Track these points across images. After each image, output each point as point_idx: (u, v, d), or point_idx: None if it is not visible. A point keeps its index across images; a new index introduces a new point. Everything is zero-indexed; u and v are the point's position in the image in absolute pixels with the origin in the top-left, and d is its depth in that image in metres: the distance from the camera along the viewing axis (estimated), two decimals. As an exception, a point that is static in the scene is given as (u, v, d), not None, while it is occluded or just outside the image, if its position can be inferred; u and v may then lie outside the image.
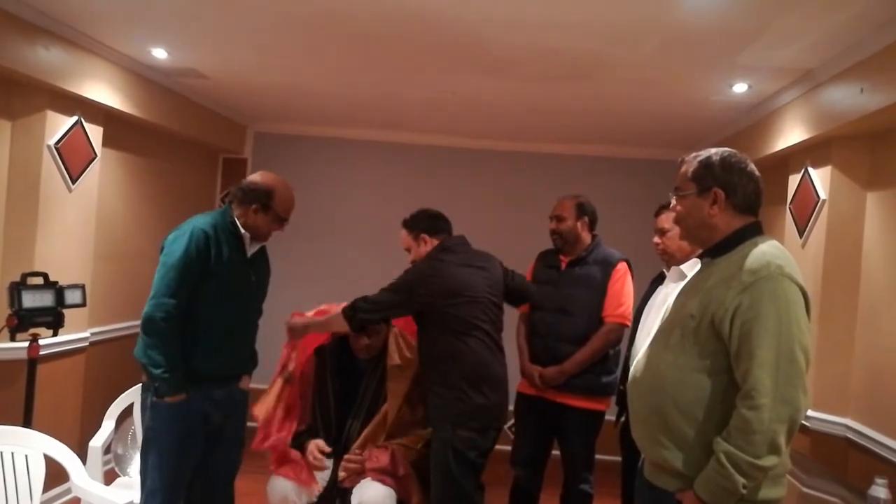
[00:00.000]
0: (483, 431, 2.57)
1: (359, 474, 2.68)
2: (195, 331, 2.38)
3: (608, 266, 3.05)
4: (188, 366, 2.37)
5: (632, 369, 1.84)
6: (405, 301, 2.62)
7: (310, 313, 2.90)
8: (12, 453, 2.40)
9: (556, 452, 3.15)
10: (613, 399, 3.09)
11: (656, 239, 2.78)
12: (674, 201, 1.82)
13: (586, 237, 3.12)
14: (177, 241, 2.38)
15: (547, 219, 3.19)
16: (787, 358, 1.55)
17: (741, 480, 1.53)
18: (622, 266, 3.07)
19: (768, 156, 3.52)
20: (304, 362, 2.91)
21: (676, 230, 2.74)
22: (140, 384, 2.49)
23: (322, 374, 2.91)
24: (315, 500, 2.71)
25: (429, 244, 2.73)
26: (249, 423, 2.66)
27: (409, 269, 2.71)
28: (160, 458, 2.37)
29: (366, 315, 2.63)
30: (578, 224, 3.08)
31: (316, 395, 2.90)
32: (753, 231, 1.72)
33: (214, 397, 2.45)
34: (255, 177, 2.54)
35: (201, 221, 2.44)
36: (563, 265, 3.12)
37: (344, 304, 2.71)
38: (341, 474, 2.70)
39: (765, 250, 1.65)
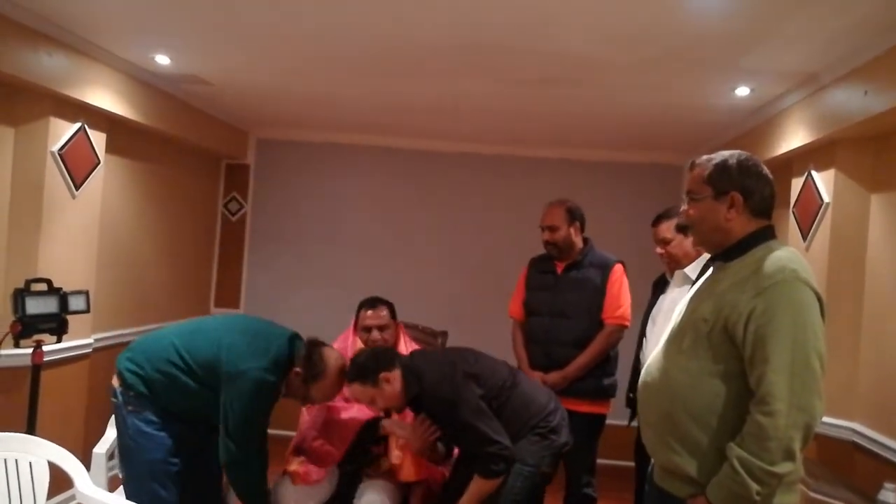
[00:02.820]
0: (557, 466, 2.59)
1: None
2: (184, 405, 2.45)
3: (605, 269, 3.07)
4: (165, 410, 2.43)
5: (642, 373, 1.83)
6: (489, 414, 2.45)
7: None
8: (16, 460, 2.38)
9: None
10: (614, 402, 3.10)
11: (659, 249, 2.78)
12: (684, 206, 1.80)
13: (579, 241, 3.13)
14: (247, 394, 2.34)
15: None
16: (803, 363, 1.54)
17: (755, 487, 1.52)
18: (618, 268, 3.10)
19: (770, 159, 3.51)
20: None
21: (680, 238, 2.74)
22: None
23: None
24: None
25: (394, 380, 2.45)
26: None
27: (444, 394, 2.44)
28: (140, 482, 2.40)
29: (504, 463, 2.40)
30: (571, 230, 3.09)
31: None
32: (767, 235, 1.71)
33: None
34: (330, 350, 2.49)
35: (269, 376, 2.37)
36: (559, 270, 3.12)
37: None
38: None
39: (780, 255, 1.64)
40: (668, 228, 2.77)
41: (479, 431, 2.38)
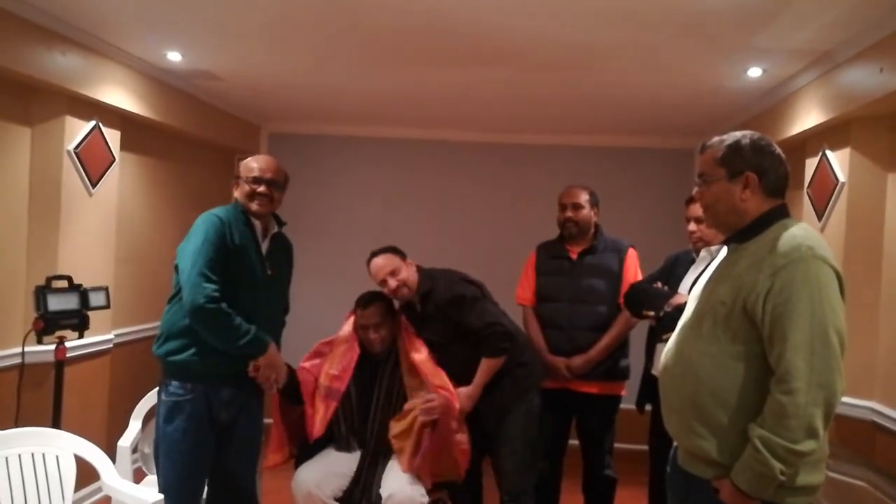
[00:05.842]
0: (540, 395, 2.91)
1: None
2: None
3: (620, 253, 3.11)
4: (192, 360, 2.35)
5: (662, 359, 1.82)
6: (492, 303, 2.88)
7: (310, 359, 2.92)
8: (43, 454, 2.42)
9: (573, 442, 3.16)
10: (628, 384, 3.12)
11: (692, 227, 2.77)
12: (696, 189, 1.79)
13: (592, 226, 3.15)
14: (193, 232, 2.37)
15: (553, 210, 3.19)
16: (821, 341, 1.52)
17: (778, 466, 1.51)
18: (633, 252, 3.13)
19: (783, 140, 3.48)
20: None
21: None
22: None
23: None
24: (340, 494, 2.74)
25: (412, 269, 2.87)
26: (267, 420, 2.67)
27: (457, 292, 2.80)
28: (168, 459, 2.40)
29: (508, 341, 2.77)
30: (592, 212, 3.11)
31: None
32: (781, 213, 1.69)
33: (222, 397, 2.42)
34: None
35: (212, 211, 2.43)
36: (574, 255, 3.12)
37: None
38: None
39: (795, 233, 1.62)
40: None
41: (486, 312, 2.75)
